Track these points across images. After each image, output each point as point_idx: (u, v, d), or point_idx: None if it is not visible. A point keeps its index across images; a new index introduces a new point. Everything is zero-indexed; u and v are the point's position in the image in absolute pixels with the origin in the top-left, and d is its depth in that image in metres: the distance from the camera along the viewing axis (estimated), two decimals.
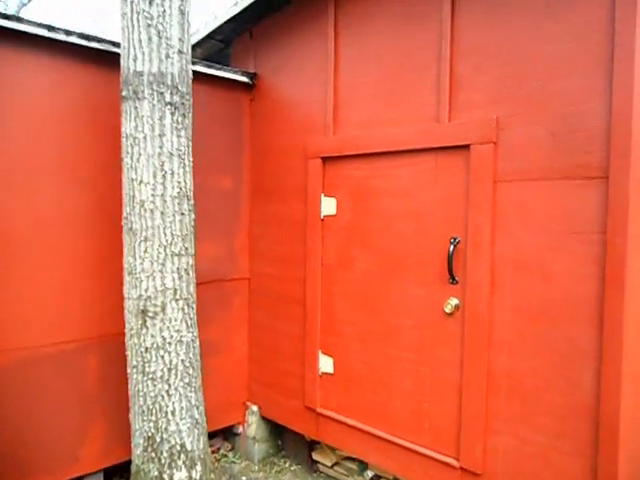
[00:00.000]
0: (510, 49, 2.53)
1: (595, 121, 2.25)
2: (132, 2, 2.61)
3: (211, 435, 3.79)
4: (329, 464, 3.73)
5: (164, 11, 2.63)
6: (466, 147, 2.65)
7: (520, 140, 2.48)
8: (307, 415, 3.56)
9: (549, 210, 2.40)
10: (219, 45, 4.06)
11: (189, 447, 2.89)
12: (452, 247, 2.71)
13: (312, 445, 3.84)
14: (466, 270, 2.67)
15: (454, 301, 2.74)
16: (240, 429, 4.03)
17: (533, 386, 2.48)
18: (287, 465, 3.94)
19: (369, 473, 3.53)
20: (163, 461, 2.83)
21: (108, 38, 3.06)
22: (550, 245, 2.41)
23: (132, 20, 2.62)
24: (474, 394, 2.66)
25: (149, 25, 2.61)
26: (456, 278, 2.73)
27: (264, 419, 3.96)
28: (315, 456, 3.83)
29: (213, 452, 3.96)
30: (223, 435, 4.14)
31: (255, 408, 3.95)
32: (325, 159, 3.34)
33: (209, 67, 3.54)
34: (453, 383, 2.77)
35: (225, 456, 4.04)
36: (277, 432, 4.03)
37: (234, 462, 3.99)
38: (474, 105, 2.64)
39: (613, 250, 2.20)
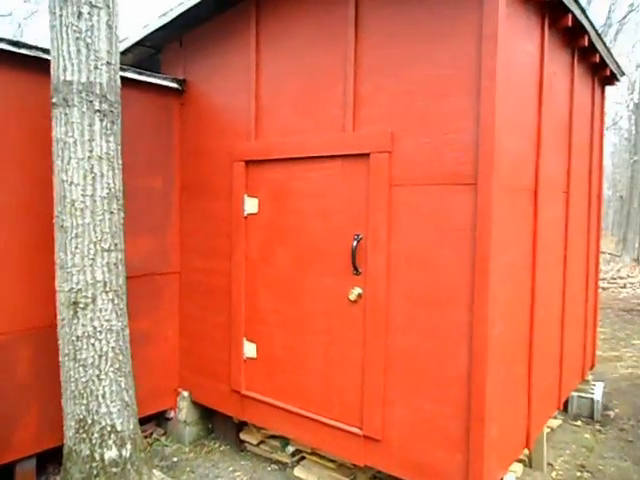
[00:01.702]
0: (404, 71, 2.92)
1: (467, 137, 2.68)
2: (61, 16, 2.81)
3: (144, 421, 4.03)
4: (255, 442, 4.06)
5: (92, 25, 2.85)
6: (367, 155, 3.03)
7: (411, 151, 2.89)
8: (233, 398, 3.87)
9: (434, 211, 2.82)
10: (150, 51, 4.27)
11: (119, 428, 3.13)
12: (355, 242, 3.09)
13: (240, 426, 4.15)
14: (367, 263, 3.06)
15: (357, 290, 3.12)
16: (172, 414, 4.28)
17: (422, 361, 2.90)
18: (217, 446, 4.24)
19: (290, 448, 3.89)
20: (94, 441, 3.06)
21: (38, 45, 3.22)
22: (435, 241, 2.83)
23: (61, 32, 2.82)
24: (374, 370, 3.06)
25: (78, 38, 2.82)
26: (359, 270, 3.11)
27: (194, 403, 4.24)
28: (242, 436, 4.14)
29: (146, 437, 4.19)
30: (156, 421, 4.38)
31: (186, 393, 4.22)
32: (248, 162, 3.64)
33: (140, 74, 3.76)
34: (357, 362, 3.15)
35: (157, 440, 4.29)
36: (207, 415, 4.32)
37: (166, 445, 4.24)
38: (373, 119, 3.02)
39: (481, 245, 2.64)
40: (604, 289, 11.51)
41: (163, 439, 4.31)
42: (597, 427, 4.58)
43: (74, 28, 2.81)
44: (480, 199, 2.64)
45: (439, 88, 2.78)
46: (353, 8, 3.09)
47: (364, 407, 3.11)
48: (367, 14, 3.06)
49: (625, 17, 19.11)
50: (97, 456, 3.06)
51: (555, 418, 4.51)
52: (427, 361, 2.89)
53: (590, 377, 5.03)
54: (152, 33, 3.98)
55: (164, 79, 3.96)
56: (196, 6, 3.66)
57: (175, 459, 4.03)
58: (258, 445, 4.06)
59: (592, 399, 4.73)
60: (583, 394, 4.79)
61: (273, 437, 4.00)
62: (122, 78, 3.12)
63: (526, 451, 3.66)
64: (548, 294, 3.59)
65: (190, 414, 4.25)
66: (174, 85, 4.03)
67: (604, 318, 8.64)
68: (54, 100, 2.90)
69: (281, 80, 3.50)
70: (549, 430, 4.30)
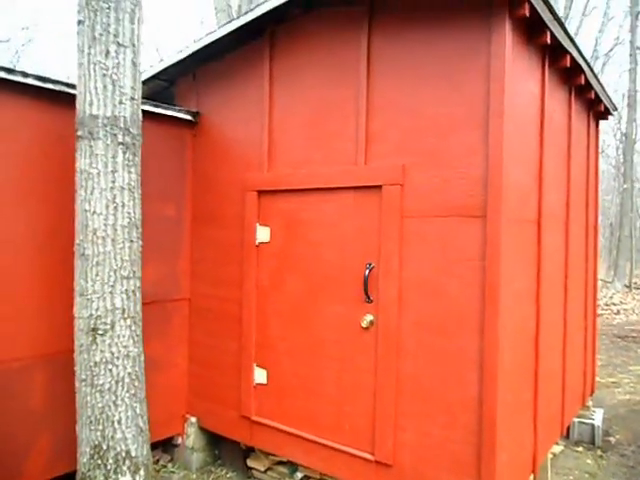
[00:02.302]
0: (415, 108, 3.07)
1: (476, 171, 2.82)
2: (89, 54, 2.95)
3: (151, 447, 4.04)
4: (262, 469, 4.08)
5: (118, 63, 2.99)
6: (379, 187, 3.16)
7: (421, 184, 3.02)
8: (242, 423, 3.91)
9: (443, 242, 2.94)
10: (164, 84, 4.42)
11: (134, 454, 3.16)
12: (367, 271, 3.19)
13: (247, 452, 4.17)
14: (379, 291, 3.16)
15: (369, 317, 3.21)
16: (179, 440, 4.30)
17: (432, 387, 2.98)
18: (223, 473, 4.25)
19: (298, 475, 3.91)
20: (109, 467, 3.09)
21: (63, 80, 3.36)
22: (445, 270, 2.94)
23: (89, 70, 2.95)
24: (386, 396, 3.13)
25: (104, 75, 2.95)
26: (371, 298, 3.21)
27: (202, 430, 4.26)
28: (250, 463, 4.16)
29: (153, 463, 4.19)
30: (162, 447, 4.39)
31: (194, 420, 4.25)
32: (260, 192, 3.76)
33: (156, 107, 3.90)
34: (369, 388, 3.23)
35: (164, 467, 4.29)
36: (214, 442, 4.34)
37: (173, 472, 4.25)
38: (385, 153, 3.16)
39: (490, 275, 2.76)
40: (598, 315, 11.65)
41: (170, 465, 4.32)
42: (599, 453, 4.65)
43: (102, 65, 2.94)
44: (489, 231, 2.76)
45: (448, 124, 2.93)
46: (365, 47, 3.26)
47: (375, 432, 3.17)
48: (379, 53, 3.22)
49: (611, 50, 19.79)
50: None
51: (557, 444, 4.58)
52: (438, 387, 2.97)
53: (590, 403, 5.11)
54: (167, 68, 4.13)
55: (178, 111, 4.10)
56: (212, 44, 3.82)
57: None
58: (266, 472, 4.08)
59: (593, 425, 4.81)
60: (584, 420, 4.86)
61: (281, 463, 4.02)
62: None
63: (531, 477, 3.72)
64: (551, 322, 3.69)
65: (197, 440, 4.27)
66: (187, 117, 4.17)
67: (600, 344, 8.74)
68: (79, 133, 3.02)
69: (294, 113, 3.65)
70: (552, 456, 4.36)
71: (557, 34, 3.15)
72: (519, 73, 3.00)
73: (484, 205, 2.79)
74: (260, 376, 3.79)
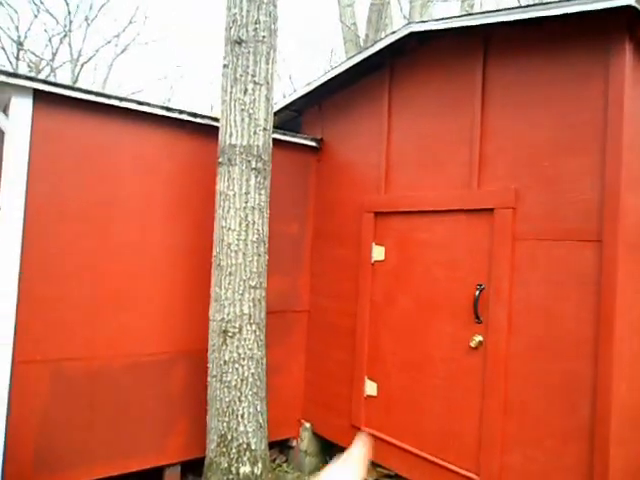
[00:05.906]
0: (526, 135, 3.12)
1: (592, 195, 2.79)
2: (231, 92, 3.43)
3: (269, 446, 4.39)
4: None
5: (254, 99, 3.43)
6: (491, 210, 3.23)
7: (534, 207, 3.04)
8: (353, 432, 4.10)
9: (555, 265, 2.93)
10: (293, 114, 4.87)
11: (253, 446, 3.51)
12: (478, 292, 3.26)
13: None
14: (489, 312, 3.21)
15: (478, 338, 3.26)
16: (294, 443, 4.61)
17: (541, 412, 2.95)
18: None
19: None
20: (232, 456, 3.47)
21: (210, 115, 3.90)
22: (556, 293, 2.92)
23: (230, 106, 3.43)
24: (492, 418, 3.14)
25: (242, 110, 3.41)
26: (481, 318, 3.26)
27: (315, 435, 4.53)
28: None
29: (270, 461, 4.54)
30: (279, 447, 4.73)
31: (308, 425, 4.54)
32: (377, 213, 3.99)
33: (284, 135, 4.33)
34: (476, 407, 3.26)
35: (280, 466, 4.62)
36: (326, 447, 4.58)
37: (287, 472, 4.56)
38: (498, 177, 3.23)
39: (605, 300, 2.69)
40: None
41: (285, 466, 4.64)
42: None
43: (240, 102, 3.40)
44: (605, 256, 2.71)
45: (562, 149, 2.94)
46: (480, 75, 3.37)
47: (481, 453, 3.19)
48: (493, 80, 3.32)
49: None
50: (233, 470, 3.45)
51: None
52: (546, 412, 2.93)
53: None
54: (296, 99, 4.57)
55: (305, 139, 4.50)
56: (335, 77, 4.18)
57: None
58: None
59: None
60: None
61: (388, 477, 4.14)
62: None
63: None
64: None
65: (311, 445, 4.54)
66: (313, 144, 4.55)
67: None
68: (220, 160, 3.50)
69: (410, 140, 3.84)
70: None
71: None
72: None
73: (599, 229, 2.74)
74: (371, 388, 3.97)
